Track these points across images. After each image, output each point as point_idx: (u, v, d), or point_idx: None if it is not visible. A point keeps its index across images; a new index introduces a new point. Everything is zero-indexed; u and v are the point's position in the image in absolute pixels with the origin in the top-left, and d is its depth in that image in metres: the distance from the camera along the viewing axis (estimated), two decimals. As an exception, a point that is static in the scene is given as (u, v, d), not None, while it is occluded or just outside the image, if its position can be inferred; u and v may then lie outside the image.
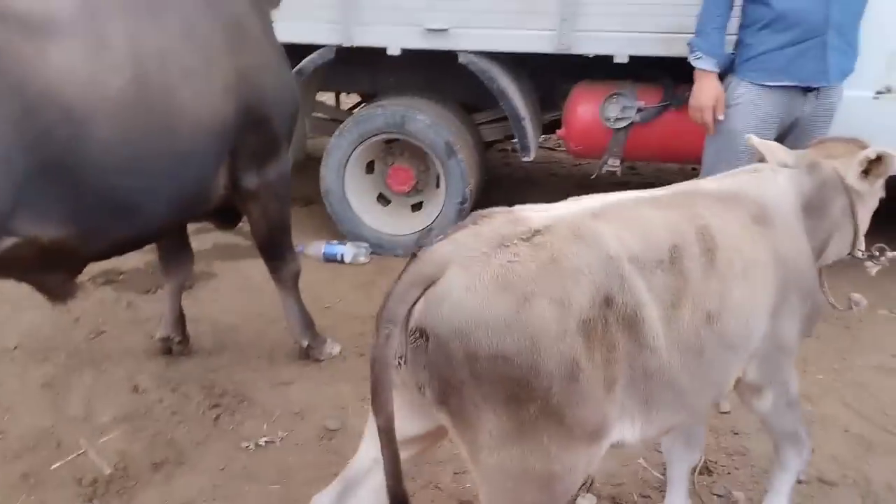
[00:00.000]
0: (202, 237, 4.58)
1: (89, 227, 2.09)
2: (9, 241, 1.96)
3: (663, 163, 5.18)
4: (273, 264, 3.09)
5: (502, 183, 5.66)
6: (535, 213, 1.63)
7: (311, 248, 4.43)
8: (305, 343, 3.27)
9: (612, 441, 1.70)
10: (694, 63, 3.22)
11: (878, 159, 2.06)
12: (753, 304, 1.80)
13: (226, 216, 2.97)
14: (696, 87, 3.25)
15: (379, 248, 4.45)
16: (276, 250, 3.05)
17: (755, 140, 2.22)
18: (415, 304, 1.50)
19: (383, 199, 4.61)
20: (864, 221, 2.23)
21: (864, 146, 2.18)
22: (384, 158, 4.49)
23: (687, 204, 1.79)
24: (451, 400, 1.52)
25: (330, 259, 4.37)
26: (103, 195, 2.08)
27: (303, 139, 4.76)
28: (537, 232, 1.54)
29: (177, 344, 3.30)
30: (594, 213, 1.65)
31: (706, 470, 2.75)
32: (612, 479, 2.69)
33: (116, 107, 2.04)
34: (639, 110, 3.98)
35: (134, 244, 2.51)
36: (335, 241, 4.43)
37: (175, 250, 3.14)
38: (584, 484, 2.58)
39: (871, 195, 2.19)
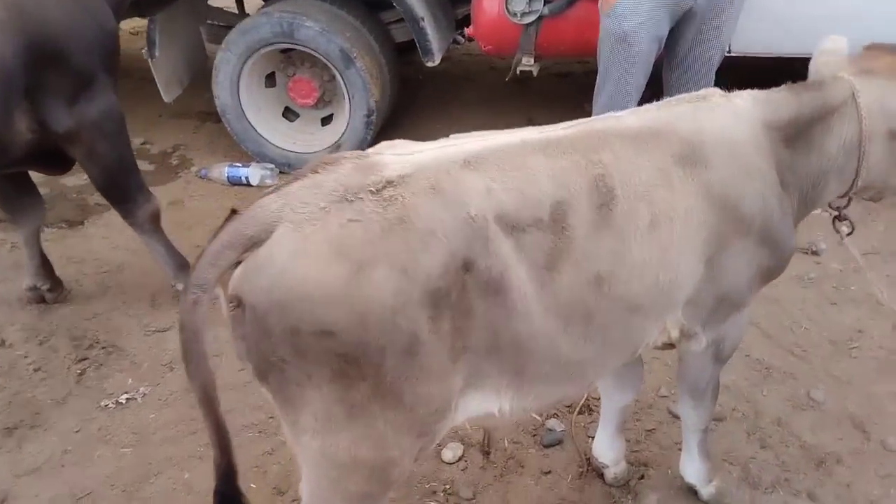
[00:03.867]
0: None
1: None
2: None
3: (585, 59, 4.71)
4: (121, 208, 2.84)
5: (435, 81, 5.25)
6: (393, 158, 1.41)
7: (214, 170, 4.16)
8: (181, 286, 3.06)
9: (475, 414, 1.58)
10: None
11: None
12: (668, 256, 1.58)
13: (52, 161, 2.68)
14: None
15: (287, 167, 4.15)
16: (119, 193, 2.79)
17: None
18: (232, 267, 1.33)
19: (292, 114, 4.26)
20: (881, 164, 1.79)
21: None
22: (285, 69, 4.11)
23: (589, 148, 1.54)
24: (270, 377, 1.37)
25: (235, 182, 4.10)
26: None
27: (199, 51, 4.38)
28: (389, 183, 1.34)
29: (47, 292, 3.11)
30: (466, 161, 1.43)
31: (586, 409, 2.60)
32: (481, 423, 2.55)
33: None
34: (546, 2, 3.55)
35: None
36: (238, 164, 4.14)
37: (16, 196, 2.88)
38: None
39: None
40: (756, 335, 2.89)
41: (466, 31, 3.86)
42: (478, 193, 1.38)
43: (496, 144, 1.50)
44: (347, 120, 3.99)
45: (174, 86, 4.13)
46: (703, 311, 1.73)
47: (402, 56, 4.32)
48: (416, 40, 3.77)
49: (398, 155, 1.43)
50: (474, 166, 1.42)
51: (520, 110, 4.70)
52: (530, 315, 1.44)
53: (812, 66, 1.84)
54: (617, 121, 1.66)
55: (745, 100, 1.74)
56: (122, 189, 2.78)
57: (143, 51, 3.92)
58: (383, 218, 1.30)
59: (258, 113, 4.11)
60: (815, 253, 3.24)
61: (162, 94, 4.07)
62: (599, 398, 2.62)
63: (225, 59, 3.90)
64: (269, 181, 4.08)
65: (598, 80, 3.13)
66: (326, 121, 4.24)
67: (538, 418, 2.55)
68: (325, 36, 3.74)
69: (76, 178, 4.04)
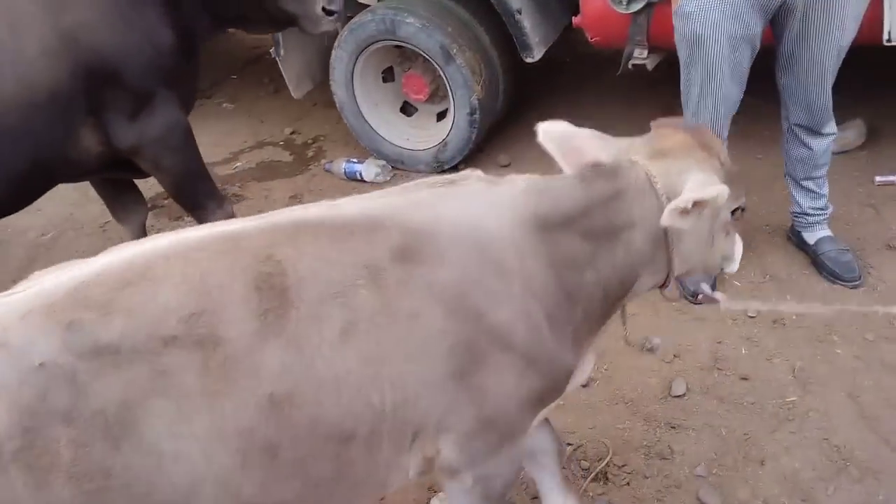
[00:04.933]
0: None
1: None
2: None
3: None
4: (194, 214, 3.03)
5: (563, 75, 4.84)
6: None
7: (335, 165, 4.29)
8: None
9: None
10: None
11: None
12: (382, 371, 1.30)
13: (133, 167, 2.92)
14: None
15: (401, 163, 4.15)
16: (189, 201, 2.98)
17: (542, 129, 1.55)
18: None
19: (412, 109, 4.23)
20: (694, 254, 1.57)
21: (705, 146, 1.52)
22: (401, 64, 4.07)
23: (265, 244, 1.30)
24: None
25: (352, 177, 4.19)
26: None
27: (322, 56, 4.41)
28: None
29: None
30: (45, 297, 1.21)
31: (603, 476, 2.27)
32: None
33: None
34: (655, -13, 3.06)
35: None
36: (355, 159, 4.22)
37: (117, 195, 3.20)
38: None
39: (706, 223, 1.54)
40: (851, 415, 2.30)
41: (573, 20, 3.48)
42: (58, 333, 1.16)
43: (99, 265, 1.26)
44: (452, 118, 3.86)
45: (304, 82, 4.30)
46: (465, 438, 1.39)
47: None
48: (512, 34, 3.50)
49: None
50: (55, 300, 1.19)
51: (660, 101, 4.18)
52: (186, 454, 1.20)
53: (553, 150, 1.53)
54: (329, 209, 1.38)
55: (515, 187, 1.41)
56: (192, 197, 2.97)
57: (271, 50, 4.12)
58: None
59: (374, 108, 4.13)
60: (650, 350, 2.58)
61: (291, 90, 4.26)
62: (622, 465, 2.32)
63: (338, 57, 3.96)
64: (381, 178, 4.11)
65: (681, 87, 2.65)
66: (442, 116, 4.14)
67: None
68: (425, 32, 3.63)
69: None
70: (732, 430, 2.34)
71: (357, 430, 1.30)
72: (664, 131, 1.56)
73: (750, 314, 2.75)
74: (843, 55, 2.49)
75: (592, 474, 2.27)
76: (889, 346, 2.53)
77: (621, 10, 3.18)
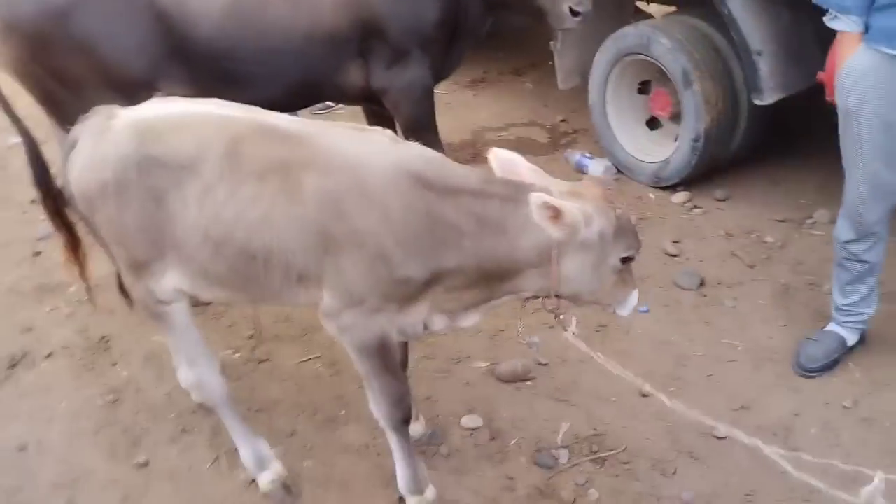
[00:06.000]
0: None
1: (205, 92, 3.27)
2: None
3: None
4: None
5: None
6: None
7: (573, 155, 4.72)
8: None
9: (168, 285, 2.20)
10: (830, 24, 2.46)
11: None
12: (271, 226, 1.98)
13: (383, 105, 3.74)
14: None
15: (627, 169, 4.44)
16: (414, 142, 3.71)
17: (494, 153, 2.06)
18: None
19: (658, 124, 4.47)
20: (577, 281, 2.02)
21: (609, 200, 1.99)
22: (659, 79, 4.32)
23: (241, 129, 2.05)
24: None
25: (579, 169, 4.61)
26: (214, 73, 3.22)
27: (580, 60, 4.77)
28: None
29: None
30: (136, 117, 2.11)
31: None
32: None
33: (220, 16, 3.11)
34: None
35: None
36: (588, 154, 4.61)
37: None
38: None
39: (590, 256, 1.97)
40: None
41: (818, 75, 3.41)
42: (131, 140, 2.05)
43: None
44: (679, 140, 4.04)
45: (572, 76, 4.76)
46: (334, 295, 2.07)
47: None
48: (745, 72, 3.55)
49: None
50: (137, 125, 2.07)
51: None
52: (182, 223, 2.07)
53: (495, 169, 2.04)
54: (282, 120, 2.10)
55: (411, 150, 1.95)
56: (416, 141, 3.70)
57: (551, 43, 4.67)
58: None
59: (620, 114, 4.45)
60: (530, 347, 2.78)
61: (558, 81, 4.77)
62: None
63: (599, 61, 4.36)
64: (605, 176, 4.46)
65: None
66: (679, 136, 4.31)
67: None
68: (672, 54, 3.86)
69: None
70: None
71: (256, 254, 2.02)
72: (588, 183, 2.07)
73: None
74: None
75: (593, 456, 2.55)
76: None
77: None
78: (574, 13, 3.32)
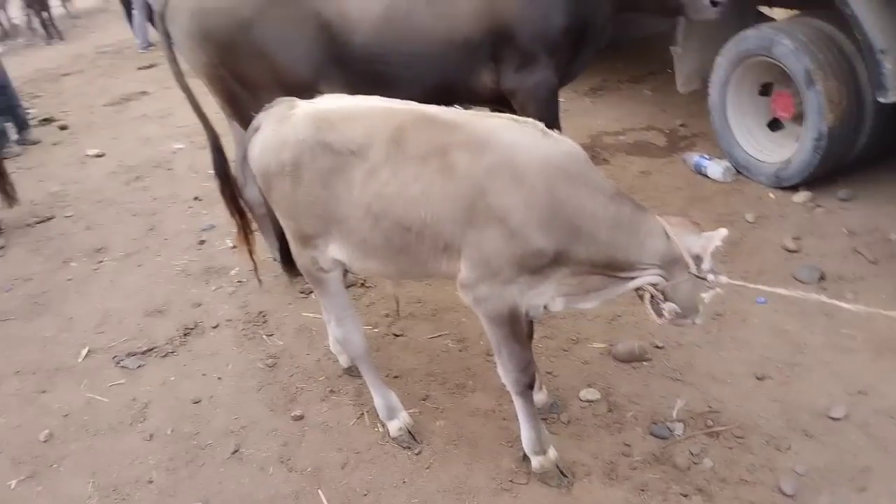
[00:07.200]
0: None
1: (358, 93, 3.67)
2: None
3: None
4: None
5: None
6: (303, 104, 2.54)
7: (690, 157, 4.82)
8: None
9: (329, 256, 2.55)
10: None
11: None
12: (427, 201, 2.25)
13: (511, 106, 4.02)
14: None
15: (746, 170, 4.50)
16: None
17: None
18: None
19: (780, 125, 4.51)
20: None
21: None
22: (782, 82, 4.37)
23: (403, 119, 2.35)
24: None
25: (697, 171, 4.71)
26: (365, 76, 3.61)
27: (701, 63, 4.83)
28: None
29: None
30: (315, 109, 2.47)
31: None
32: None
33: (373, 25, 3.50)
34: None
35: None
36: (707, 155, 4.70)
37: None
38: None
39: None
40: None
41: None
42: (308, 127, 2.39)
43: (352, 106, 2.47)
44: (801, 140, 4.08)
45: (693, 80, 4.89)
46: (472, 266, 2.32)
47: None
48: (868, 70, 3.56)
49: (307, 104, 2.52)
50: (314, 115, 2.42)
51: None
52: (346, 206, 2.39)
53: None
54: (441, 112, 2.37)
55: (562, 145, 2.24)
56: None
57: (672, 47, 4.81)
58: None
59: (741, 116, 4.53)
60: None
61: (678, 85, 4.90)
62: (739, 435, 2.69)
63: (720, 63, 4.45)
64: (723, 178, 4.54)
65: None
66: (802, 137, 4.33)
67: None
68: (795, 55, 3.92)
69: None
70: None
71: (412, 226, 2.29)
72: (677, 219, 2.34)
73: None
74: None
75: (707, 430, 2.70)
76: None
77: None
78: (714, 3, 3.43)
